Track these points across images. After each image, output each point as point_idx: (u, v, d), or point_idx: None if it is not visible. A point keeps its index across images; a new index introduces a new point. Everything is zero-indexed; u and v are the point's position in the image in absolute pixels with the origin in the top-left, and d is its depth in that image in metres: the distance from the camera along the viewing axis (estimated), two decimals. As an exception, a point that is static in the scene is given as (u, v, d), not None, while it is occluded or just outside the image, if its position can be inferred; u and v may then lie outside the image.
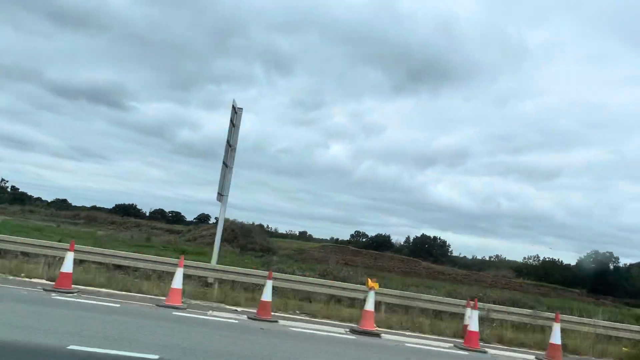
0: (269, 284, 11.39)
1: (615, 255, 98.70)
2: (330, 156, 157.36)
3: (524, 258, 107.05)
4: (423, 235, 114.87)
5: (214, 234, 53.07)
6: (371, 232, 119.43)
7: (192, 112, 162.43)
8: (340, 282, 16.25)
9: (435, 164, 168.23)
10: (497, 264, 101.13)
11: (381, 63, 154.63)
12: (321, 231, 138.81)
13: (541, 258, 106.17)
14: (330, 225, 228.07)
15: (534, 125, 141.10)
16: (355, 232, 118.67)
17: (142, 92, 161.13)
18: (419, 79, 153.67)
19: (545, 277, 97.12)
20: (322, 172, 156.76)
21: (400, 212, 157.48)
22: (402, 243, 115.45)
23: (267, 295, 11.19)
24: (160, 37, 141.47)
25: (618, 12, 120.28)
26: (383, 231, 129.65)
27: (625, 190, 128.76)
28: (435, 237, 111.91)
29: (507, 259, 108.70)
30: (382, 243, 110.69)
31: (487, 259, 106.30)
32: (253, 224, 59.78)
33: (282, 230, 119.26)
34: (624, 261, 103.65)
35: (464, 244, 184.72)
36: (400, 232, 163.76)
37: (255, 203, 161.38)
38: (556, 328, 11.07)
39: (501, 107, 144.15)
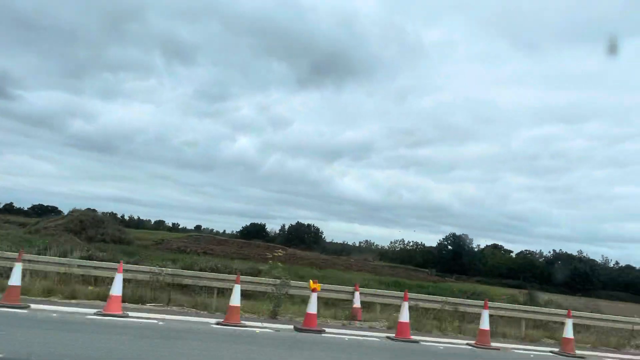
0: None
1: (470, 237, 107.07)
2: (237, 149, 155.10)
3: (391, 242, 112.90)
4: (298, 223, 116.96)
5: (61, 224, 50.11)
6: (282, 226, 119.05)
7: (87, 102, 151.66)
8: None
9: (341, 157, 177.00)
10: (364, 249, 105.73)
11: (286, 55, 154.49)
12: (229, 226, 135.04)
13: (406, 242, 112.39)
14: (237, 220, 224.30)
15: (432, 121, 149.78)
16: (251, 224, 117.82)
17: (30, 80, 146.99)
18: (323, 73, 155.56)
19: (409, 259, 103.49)
20: (230, 165, 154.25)
21: (309, 205, 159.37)
22: (277, 232, 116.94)
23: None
24: (49, 22, 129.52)
25: (503, 14, 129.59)
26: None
27: (512, 181, 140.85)
28: (309, 225, 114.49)
29: (375, 244, 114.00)
30: (256, 232, 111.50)
31: (357, 244, 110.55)
32: (106, 214, 57.14)
33: (186, 225, 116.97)
34: (479, 243, 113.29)
35: (343, 230, 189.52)
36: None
37: (159, 198, 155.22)
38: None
39: (401, 102, 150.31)
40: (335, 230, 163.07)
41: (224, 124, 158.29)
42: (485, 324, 11.76)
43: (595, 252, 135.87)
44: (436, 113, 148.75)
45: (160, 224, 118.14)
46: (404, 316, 11.15)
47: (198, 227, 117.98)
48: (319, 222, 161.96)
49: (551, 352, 12.08)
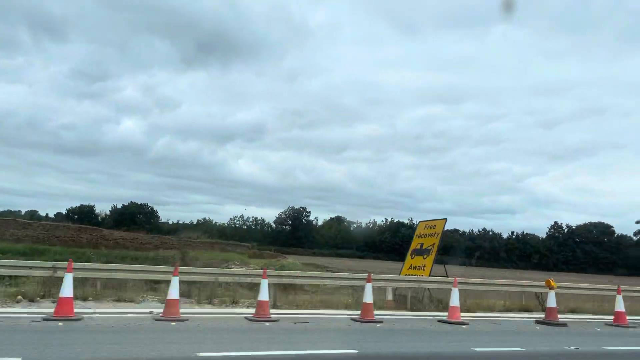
0: None
1: (308, 210, 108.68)
2: (122, 132, 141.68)
3: (230, 219, 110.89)
4: (132, 204, 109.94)
5: None
6: (176, 213, 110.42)
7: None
8: None
9: (234, 139, 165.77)
10: (202, 226, 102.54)
11: (168, 33, 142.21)
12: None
13: (246, 218, 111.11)
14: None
15: (323, 102, 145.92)
16: (79, 205, 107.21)
17: None
18: (208, 52, 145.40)
19: (248, 235, 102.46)
20: (115, 150, 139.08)
21: (204, 190, 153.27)
22: (107, 213, 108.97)
23: None
24: None
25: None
26: (187, 210, 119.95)
27: (400, 160, 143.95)
28: (142, 205, 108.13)
29: (214, 221, 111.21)
30: (83, 214, 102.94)
31: (195, 222, 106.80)
32: None
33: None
34: (316, 216, 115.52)
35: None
36: (206, 209, 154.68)
37: (37, 187, 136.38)
38: None
39: (292, 83, 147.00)
40: (228, 214, 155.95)
41: (105, 105, 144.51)
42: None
43: (475, 224, 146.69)
44: (326, 94, 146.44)
45: (33, 214, 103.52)
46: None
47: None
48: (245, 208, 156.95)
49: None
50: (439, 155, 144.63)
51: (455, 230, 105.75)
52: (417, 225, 18.76)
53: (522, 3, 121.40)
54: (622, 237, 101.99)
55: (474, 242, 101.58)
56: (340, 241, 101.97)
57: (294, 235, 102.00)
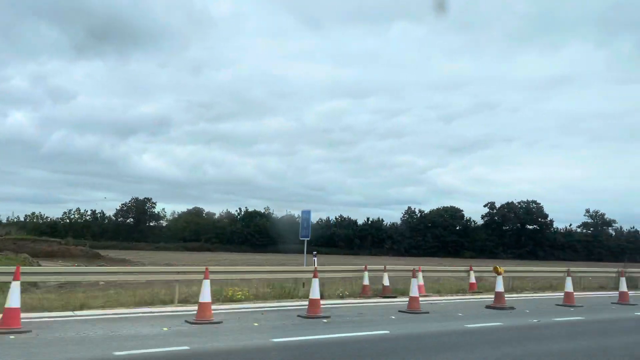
0: None
1: (153, 202, 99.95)
2: (10, 125, 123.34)
3: (64, 213, 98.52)
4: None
5: None
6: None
7: None
8: None
9: (137, 132, 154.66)
10: (30, 223, 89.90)
11: (56, 18, 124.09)
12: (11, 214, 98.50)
13: (83, 211, 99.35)
14: (21, 207, 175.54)
15: (230, 95, 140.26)
16: None
17: None
18: (103, 40, 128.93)
19: (86, 229, 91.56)
20: (3, 144, 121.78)
21: (106, 186, 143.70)
22: None
23: None
24: None
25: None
26: (89, 207, 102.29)
27: (310, 154, 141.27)
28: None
29: (45, 215, 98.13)
30: None
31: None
32: None
33: None
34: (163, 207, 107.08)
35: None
36: (109, 207, 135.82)
37: None
38: None
39: (197, 75, 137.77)
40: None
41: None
42: None
43: (383, 215, 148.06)
44: (234, 87, 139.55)
45: None
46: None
47: None
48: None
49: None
50: (347, 148, 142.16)
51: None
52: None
53: (420, 1, 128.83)
54: (470, 222, 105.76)
55: (330, 229, 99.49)
56: (189, 234, 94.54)
57: (137, 229, 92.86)
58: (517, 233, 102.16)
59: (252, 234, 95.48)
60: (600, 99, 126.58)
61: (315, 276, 10.65)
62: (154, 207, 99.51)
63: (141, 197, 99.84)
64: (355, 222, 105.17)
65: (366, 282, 14.46)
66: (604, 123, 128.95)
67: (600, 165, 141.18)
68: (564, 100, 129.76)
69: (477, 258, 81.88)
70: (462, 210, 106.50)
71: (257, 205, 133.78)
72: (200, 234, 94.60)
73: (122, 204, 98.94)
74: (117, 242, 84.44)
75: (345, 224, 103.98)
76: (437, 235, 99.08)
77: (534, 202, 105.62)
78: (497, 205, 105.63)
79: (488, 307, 12.54)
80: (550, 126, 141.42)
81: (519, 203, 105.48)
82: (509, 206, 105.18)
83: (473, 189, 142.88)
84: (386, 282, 14.60)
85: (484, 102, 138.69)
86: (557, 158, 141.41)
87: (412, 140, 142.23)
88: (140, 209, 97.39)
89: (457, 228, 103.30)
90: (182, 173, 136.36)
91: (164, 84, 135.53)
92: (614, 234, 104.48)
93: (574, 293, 14.13)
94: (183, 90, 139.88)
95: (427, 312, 11.25)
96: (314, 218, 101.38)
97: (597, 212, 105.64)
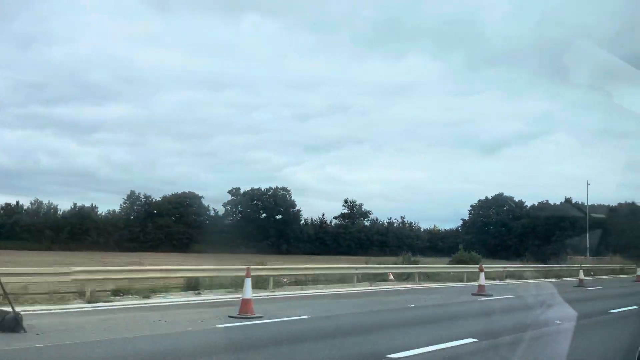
0: None
1: None
2: None
3: None
4: None
5: None
6: None
7: None
8: None
9: None
10: None
11: None
12: None
13: None
14: None
15: (67, 76, 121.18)
16: None
17: None
18: None
19: None
20: None
21: None
22: None
23: None
24: None
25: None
26: None
27: (161, 145, 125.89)
28: None
29: None
30: None
31: None
32: None
33: None
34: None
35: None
36: None
37: None
38: None
39: (26, 51, 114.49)
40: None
41: None
42: None
43: None
44: (71, 67, 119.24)
45: None
46: None
47: None
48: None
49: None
50: (201, 142, 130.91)
51: None
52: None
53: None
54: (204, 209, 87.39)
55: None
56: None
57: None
58: (263, 224, 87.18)
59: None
60: (437, 108, 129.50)
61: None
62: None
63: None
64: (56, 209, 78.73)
65: None
66: (440, 131, 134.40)
67: (437, 169, 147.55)
68: (407, 107, 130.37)
69: (208, 252, 64.09)
70: (202, 197, 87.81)
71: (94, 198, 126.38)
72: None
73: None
74: None
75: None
76: (160, 225, 78.11)
77: (283, 188, 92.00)
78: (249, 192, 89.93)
79: None
80: (396, 131, 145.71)
81: (270, 190, 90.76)
82: (253, 193, 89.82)
83: (327, 187, 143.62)
84: None
85: (337, 104, 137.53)
86: (402, 161, 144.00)
87: (269, 137, 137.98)
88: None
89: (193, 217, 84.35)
90: (11, 161, 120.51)
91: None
92: (367, 224, 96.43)
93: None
94: (10, 67, 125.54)
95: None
96: None
97: (354, 202, 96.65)
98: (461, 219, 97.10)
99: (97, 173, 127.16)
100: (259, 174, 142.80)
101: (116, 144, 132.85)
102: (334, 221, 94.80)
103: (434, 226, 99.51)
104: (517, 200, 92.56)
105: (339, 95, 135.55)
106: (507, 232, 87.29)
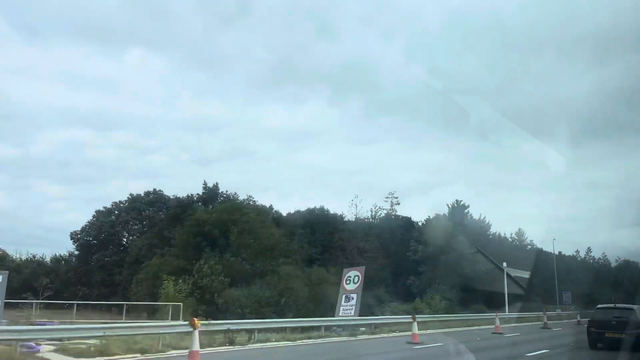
0: None
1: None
2: None
3: None
4: None
5: None
6: None
7: None
8: None
9: None
10: None
11: None
12: None
13: None
14: None
15: None
16: None
17: None
18: None
19: None
20: None
21: None
22: None
23: None
24: None
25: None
26: None
27: (47, 190, 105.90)
28: None
29: None
30: None
31: None
32: None
33: None
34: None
35: None
36: None
37: None
38: None
39: None
40: None
41: None
42: None
43: None
44: None
45: None
46: None
47: None
48: None
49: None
50: (93, 186, 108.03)
51: None
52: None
53: (154, 27, 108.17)
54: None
55: None
56: None
57: None
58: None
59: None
60: (339, 155, 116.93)
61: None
62: None
63: None
64: None
65: None
66: (344, 179, 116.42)
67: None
68: (310, 153, 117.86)
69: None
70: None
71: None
72: None
73: None
74: None
75: None
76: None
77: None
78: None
79: None
80: (302, 178, 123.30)
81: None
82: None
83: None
84: None
85: (239, 148, 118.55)
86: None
87: (167, 183, 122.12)
88: None
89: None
90: None
91: None
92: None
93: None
94: None
95: None
96: None
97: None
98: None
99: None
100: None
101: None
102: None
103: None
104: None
105: (240, 139, 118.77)
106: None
